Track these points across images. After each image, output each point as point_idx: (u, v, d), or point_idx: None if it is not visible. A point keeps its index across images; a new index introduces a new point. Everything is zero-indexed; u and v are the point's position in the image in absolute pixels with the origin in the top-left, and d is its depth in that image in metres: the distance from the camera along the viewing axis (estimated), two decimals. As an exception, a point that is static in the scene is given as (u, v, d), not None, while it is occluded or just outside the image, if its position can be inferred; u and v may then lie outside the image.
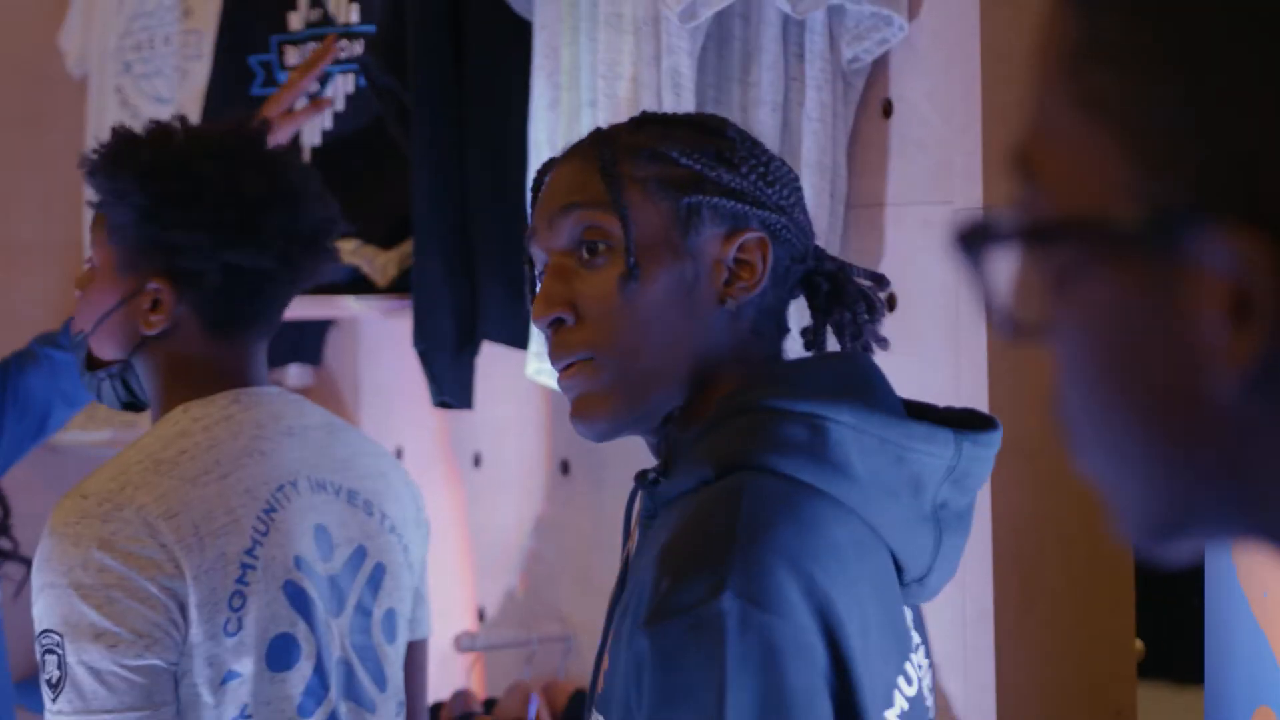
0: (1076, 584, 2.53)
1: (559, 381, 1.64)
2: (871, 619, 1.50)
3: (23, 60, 3.95)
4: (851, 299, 1.69)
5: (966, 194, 2.49)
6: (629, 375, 1.60)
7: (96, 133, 3.77)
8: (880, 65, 2.61)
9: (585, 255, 1.62)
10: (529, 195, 1.73)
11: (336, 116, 3.28)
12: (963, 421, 1.62)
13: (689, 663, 1.43)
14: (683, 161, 1.61)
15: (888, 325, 2.62)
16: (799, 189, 1.69)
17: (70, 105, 3.87)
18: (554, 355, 1.63)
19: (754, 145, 1.67)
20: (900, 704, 1.54)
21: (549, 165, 1.70)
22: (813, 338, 1.71)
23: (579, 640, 3.31)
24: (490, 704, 3.40)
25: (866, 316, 1.70)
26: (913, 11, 2.55)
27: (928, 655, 1.67)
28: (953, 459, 1.57)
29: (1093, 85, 0.72)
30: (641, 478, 1.62)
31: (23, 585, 3.15)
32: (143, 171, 2.14)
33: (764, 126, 2.59)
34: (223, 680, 2.04)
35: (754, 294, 1.61)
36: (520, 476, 3.45)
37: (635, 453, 1.71)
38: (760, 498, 1.49)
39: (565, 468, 3.32)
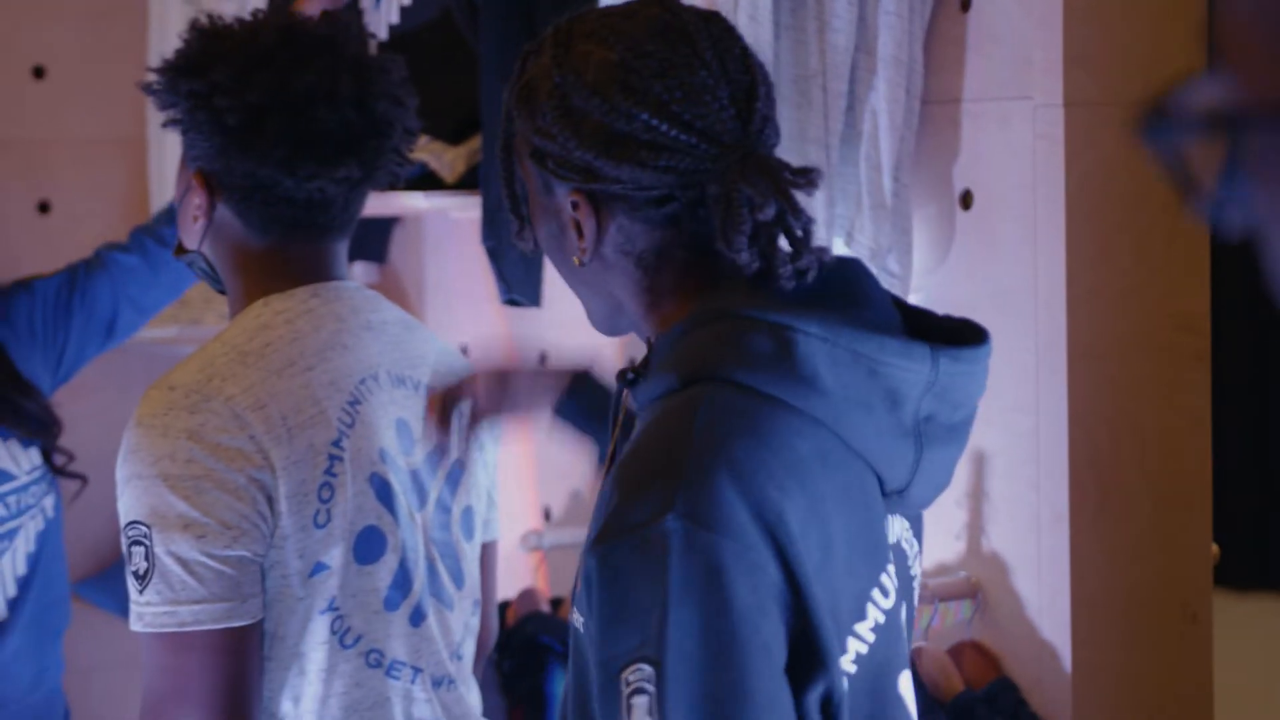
0: (1152, 487, 2.50)
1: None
2: (837, 533, 1.48)
3: (86, -47, 3.92)
4: (740, 241, 1.52)
5: (1046, 90, 2.45)
6: (582, 301, 1.64)
7: (160, 23, 3.75)
8: (959, -42, 2.57)
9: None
10: None
11: (404, 10, 3.25)
12: (955, 333, 1.58)
13: (633, 582, 1.43)
14: (522, 124, 1.59)
15: (964, 223, 2.61)
16: (646, 128, 1.52)
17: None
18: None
19: (593, 89, 1.54)
20: (875, 616, 1.52)
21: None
22: (758, 267, 1.55)
23: (645, 540, 3.30)
24: (556, 602, 3.40)
25: (758, 261, 1.53)
26: (993, -97, 2.50)
27: (916, 563, 1.65)
28: (930, 374, 1.52)
29: None
30: (621, 377, 1.62)
31: (80, 493, 3.17)
32: (177, 67, 2.11)
33: (839, 20, 2.55)
34: (311, 572, 2.03)
35: (592, 254, 1.57)
36: (586, 375, 3.44)
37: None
38: (717, 412, 1.47)
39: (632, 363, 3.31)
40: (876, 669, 1.52)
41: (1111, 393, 2.47)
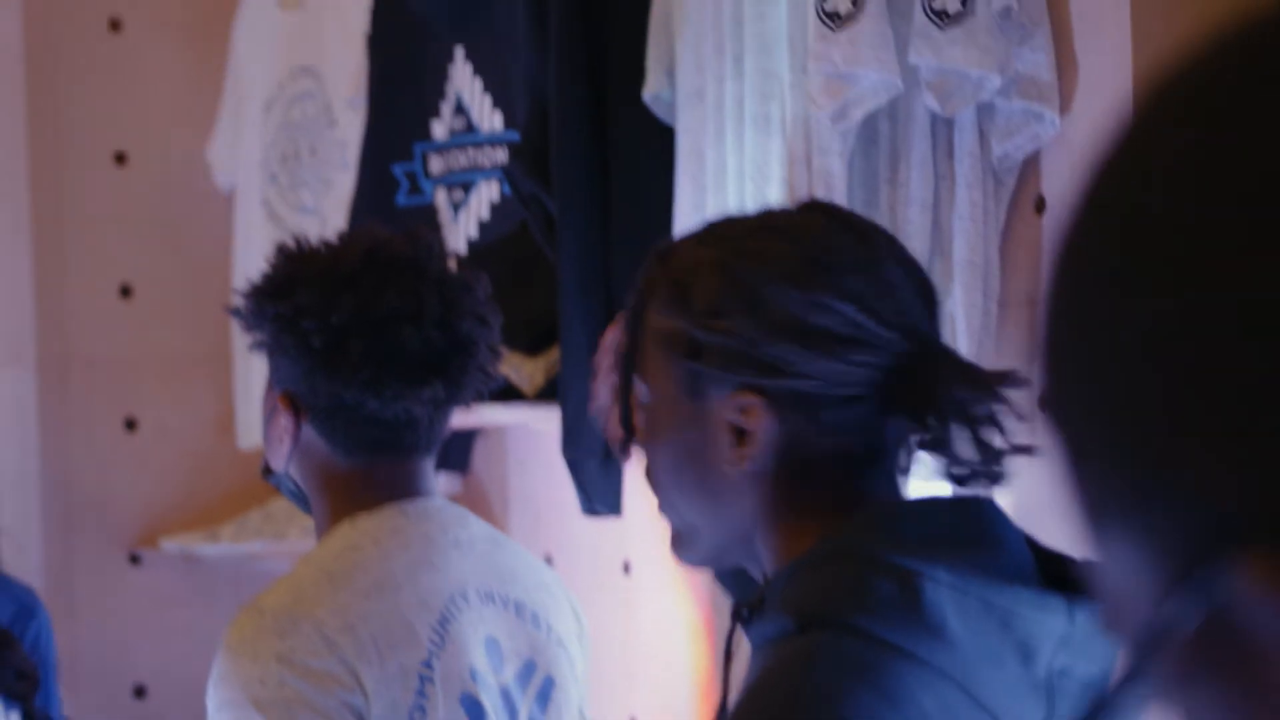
0: None
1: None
2: None
3: (173, 174, 4.00)
4: (946, 439, 1.49)
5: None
6: (675, 521, 1.54)
7: (244, 243, 3.80)
8: (1032, 161, 2.57)
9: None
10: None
11: (481, 224, 3.28)
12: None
13: None
14: (682, 320, 1.49)
15: (1046, 424, 2.57)
16: (848, 322, 1.47)
17: (219, 217, 3.91)
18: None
19: (782, 279, 1.48)
20: None
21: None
22: (937, 446, 1.51)
23: (734, 750, 3.26)
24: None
25: (978, 458, 1.49)
26: (1065, 106, 2.50)
27: None
28: (1066, 627, 1.43)
29: None
30: (735, 614, 1.53)
31: None
32: (262, 291, 2.13)
33: (913, 226, 2.55)
34: None
35: (758, 463, 1.48)
36: (671, 584, 3.41)
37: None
38: (835, 662, 1.39)
39: (717, 574, 3.28)
40: None
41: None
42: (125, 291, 3.96)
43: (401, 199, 3.37)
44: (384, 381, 2.08)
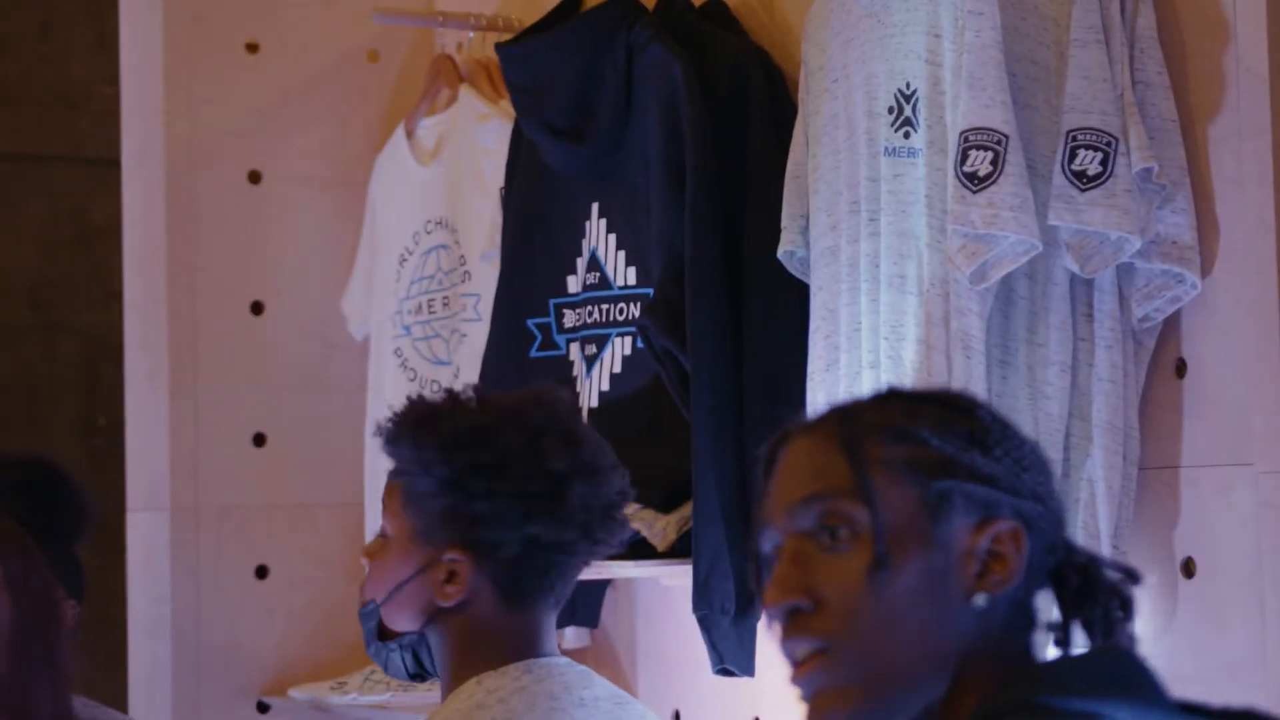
0: None
1: (792, 678, 1.53)
2: None
3: (307, 324, 4.04)
4: (1104, 594, 1.56)
5: (1266, 456, 2.40)
6: (872, 672, 1.49)
7: (376, 394, 3.83)
8: (1172, 323, 2.55)
9: (827, 540, 1.52)
10: (762, 465, 1.61)
11: (613, 378, 3.29)
12: None
13: None
14: (933, 443, 1.52)
15: (1187, 592, 2.54)
16: (1051, 475, 1.59)
17: (352, 368, 3.94)
18: (787, 644, 1.53)
19: (1006, 427, 1.57)
20: None
21: (784, 437, 1.60)
22: (1062, 635, 1.57)
23: None
24: None
25: (1120, 614, 1.55)
26: (1206, 269, 2.49)
27: None
28: None
29: None
30: None
31: None
32: (447, 442, 2.14)
33: (1052, 387, 2.53)
34: None
35: (1008, 589, 1.51)
36: (800, 742, 3.37)
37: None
38: None
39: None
40: None
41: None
42: (259, 440, 3.99)
43: (534, 352, 3.38)
44: (596, 526, 2.12)
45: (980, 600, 1.49)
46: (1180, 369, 2.55)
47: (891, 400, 1.59)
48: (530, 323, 3.40)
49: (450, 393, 2.22)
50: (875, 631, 1.49)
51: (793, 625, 1.52)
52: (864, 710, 1.49)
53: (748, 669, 3.03)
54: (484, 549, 2.13)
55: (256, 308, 4.00)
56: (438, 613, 2.16)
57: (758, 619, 3.02)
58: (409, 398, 2.28)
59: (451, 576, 2.15)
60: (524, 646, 2.15)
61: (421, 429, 2.17)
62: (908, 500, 1.51)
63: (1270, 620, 2.39)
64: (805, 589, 1.51)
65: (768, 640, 3.07)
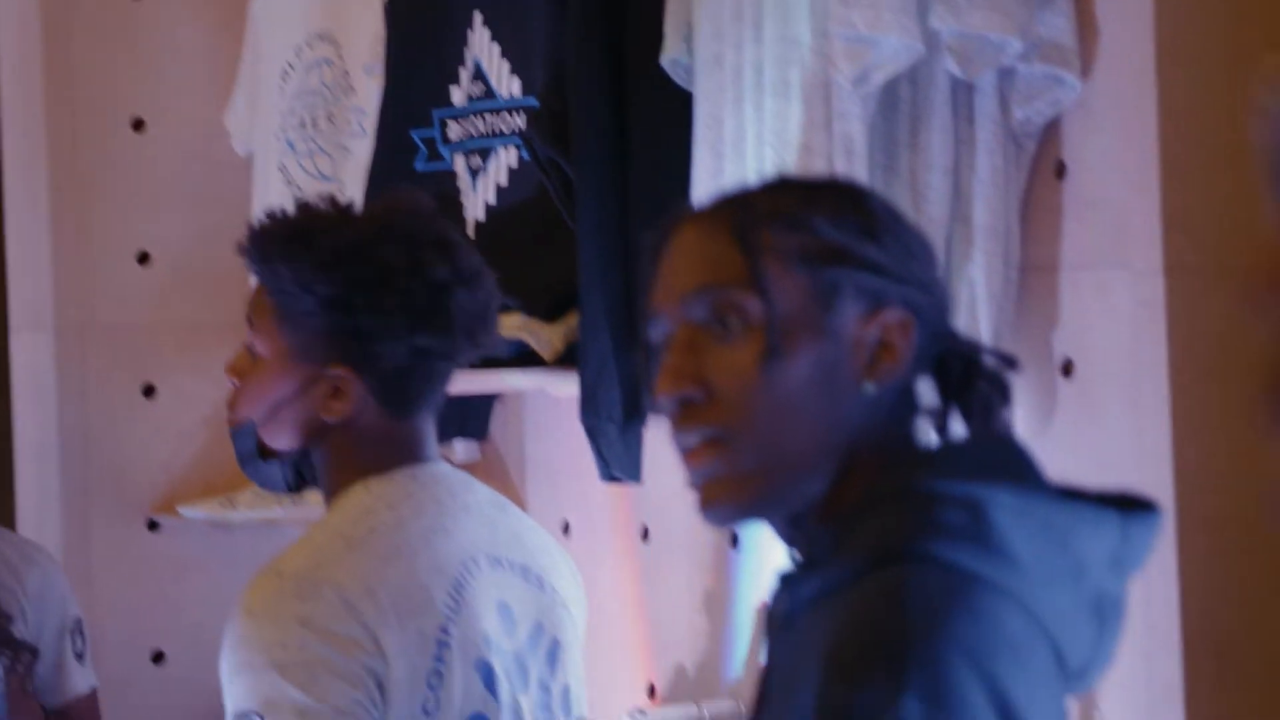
0: (1275, 661, 2.44)
1: (685, 464, 1.53)
2: (1046, 717, 1.41)
3: (189, 140, 3.99)
4: (983, 381, 1.56)
5: (1145, 257, 2.42)
6: (764, 461, 1.49)
7: (261, 211, 3.79)
8: (1053, 126, 2.56)
9: (719, 330, 1.51)
10: (650, 252, 1.60)
11: (499, 190, 3.27)
12: (1122, 504, 1.50)
13: None
14: (825, 232, 1.51)
15: (1065, 392, 2.57)
16: (936, 263, 1.60)
17: (237, 184, 3.90)
18: (678, 434, 1.52)
19: (895, 216, 1.57)
20: None
21: (674, 224, 1.58)
22: (940, 421, 1.57)
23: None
24: (662, 781, 3.36)
25: (999, 400, 1.55)
26: (1086, 71, 2.49)
27: None
28: (1118, 543, 1.46)
29: None
30: (785, 579, 1.52)
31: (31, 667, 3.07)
32: (327, 259, 2.11)
33: (934, 191, 2.54)
34: None
35: (896, 377, 1.51)
36: (689, 549, 3.41)
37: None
38: (926, 589, 1.39)
39: (735, 541, 3.28)
40: None
41: (1225, 562, 2.42)
42: (143, 258, 3.96)
43: (420, 165, 3.36)
44: (479, 333, 2.12)
45: (870, 389, 1.50)
46: (1060, 171, 2.56)
47: (784, 189, 1.57)
48: (415, 134, 3.37)
49: (306, 206, 2.19)
50: (767, 420, 1.49)
51: (684, 415, 1.51)
52: (754, 498, 1.50)
53: (635, 476, 3.05)
54: (369, 363, 2.12)
55: (138, 124, 3.94)
56: (322, 428, 2.15)
57: (644, 427, 3.04)
58: (267, 213, 2.25)
59: (336, 392, 2.14)
60: (409, 453, 2.15)
61: (294, 246, 2.14)
62: (799, 289, 1.50)
63: (1146, 419, 2.43)
64: (696, 379, 1.50)
65: (654, 449, 3.10)
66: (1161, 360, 2.41)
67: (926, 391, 1.59)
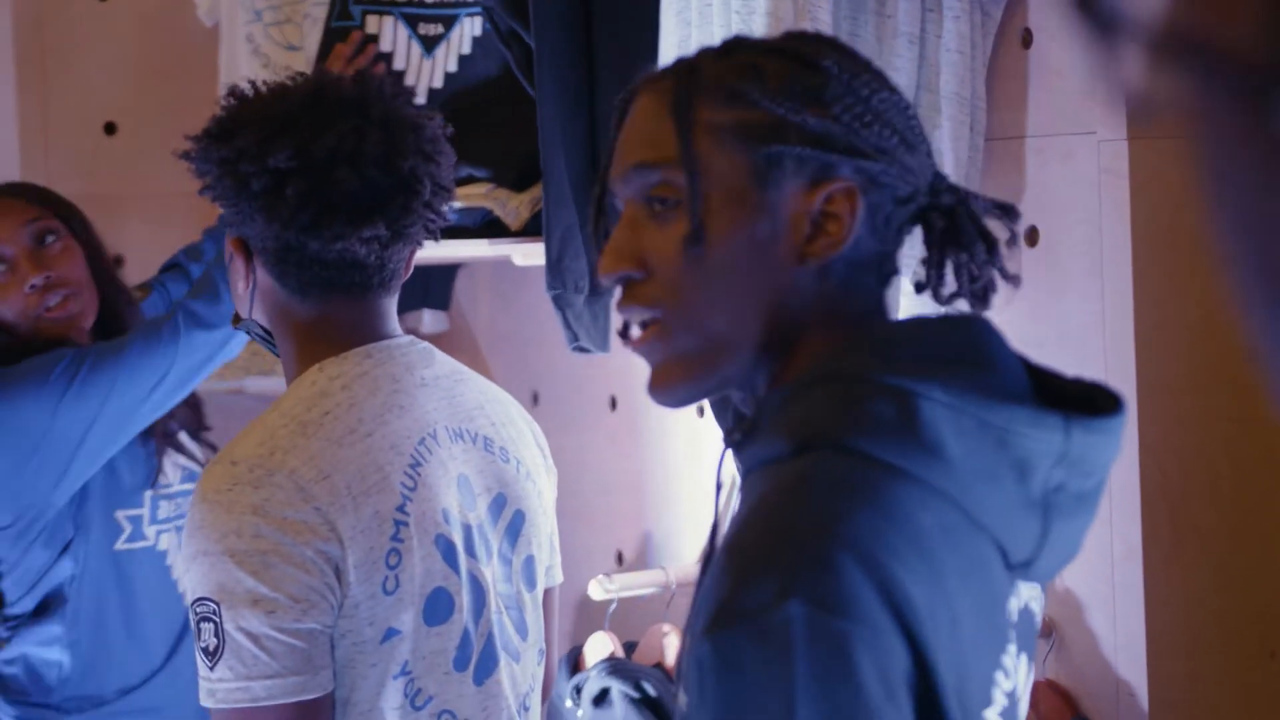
0: (1228, 521, 2.47)
1: (634, 348, 1.51)
2: (962, 613, 1.38)
3: (155, 10, 3.96)
4: (969, 237, 1.52)
5: (1110, 124, 2.43)
6: (702, 339, 1.46)
7: (228, 81, 3.77)
8: (1019, -6, 2.56)
9: (657, 208, 1.48)
10: (613, 123, 1.56)
11: (462, 59, 3.26)
12: (1086, 398, 1.47)
13: (754, 674, 1.31)
14: (764, 104, 1.46)
15: (1030, 260, 2.58)
16: (909, 121, 1.51)
17: (202, 55, 3.88)
18: (624, 311, 1.51)
19: (853, 78, 1.49)
20: (1000, 700, 1.42)
21: (633, 92, 1.54)
22: (929, 282, 1.53)
23: (718, 583, 3.29)
24: (630, 647, 3.39)
25: (986, 256, 1.51)
26: (1052, -63, 2.49)
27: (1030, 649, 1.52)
28: (1062, 444, 1.42)
29: None
30: (727, 438, 1.50)
31: None
32: (209, 135, 2.11)
33: (900, 59, 2.54)
34: (383, 638, 2.02)
35: (842, 250, 1.46)
36: (656, 419, 3.43)
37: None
38: (833, 483, 1.37)
39: (702, 411, 3.30)
40: None
41: (1183, 426, 2.45)
42: (110, 129, 3.94)
43: (334, 22, 3.34)
44: (322, 223, 2.05)
45: (811, 264, 1.46)
46: (1026, 39, 2.56)
47: (735, 52, 1.52)
48: (353, 7, 3.35)
49: (252, 84, 2.15)
50: (696, 301, 1.46)
51: (628, 293, 1.50)
52: (697, 378, 1.48)
53: (602, 345, 3.06)
54: (246, 245, 2.11)
55: (102, -7, 3.92)
56: (257, 301, 2.15)
57: (610, 296, 3.05)
58: (228, 89, 2.21)
59: (242, 269, 2.14)
60: (361, 331, 2.13)
61: (205, 127, 2.13)
62: (735, 166, 1.46)
63: (1109, 284, 2.45)
64: (636, 258, 1.49)
65: (619, 317, 3.11)
66: (1125, 227, 2.42)
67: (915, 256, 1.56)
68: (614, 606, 3.30)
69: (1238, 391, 2.47)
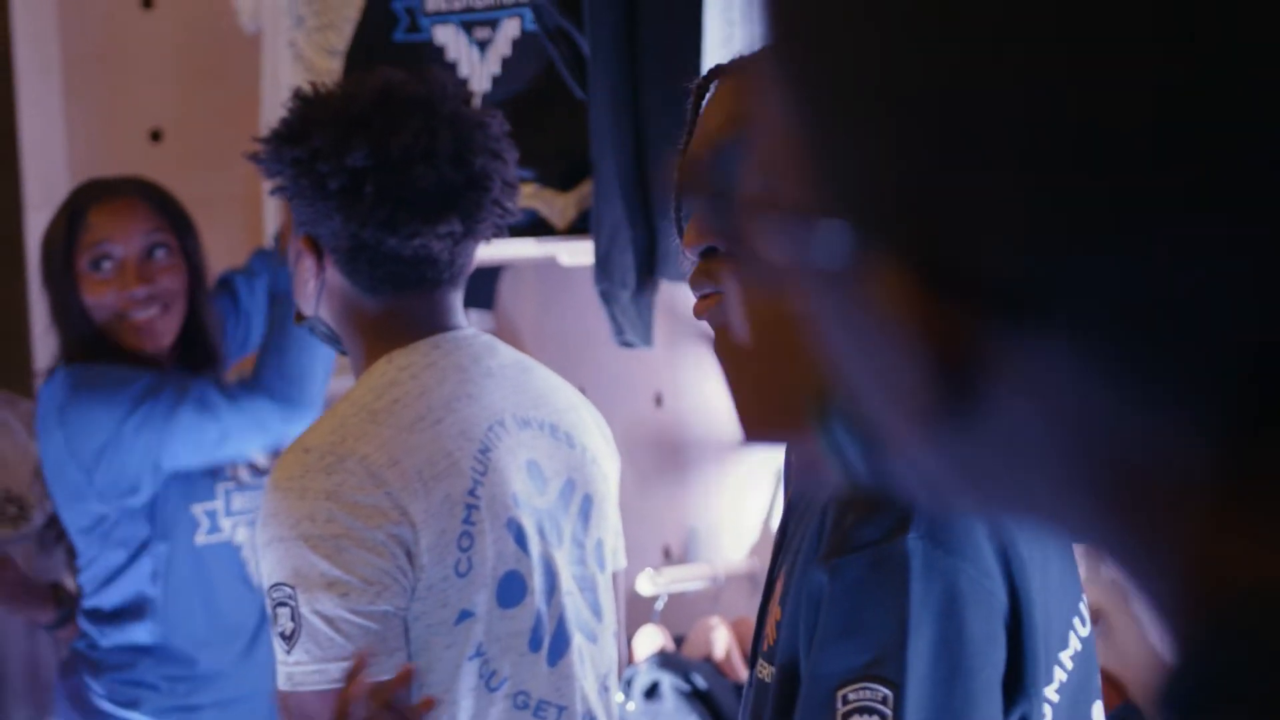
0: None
1: (695, 310, 1.52)
2: (1051, 557, 1.43)
3: (198, 17, 4.00)
4: None
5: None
6: None
7: (272, 87, 3.81)
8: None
9: None
10: (691, 99, 1.56)
11: (504, 61, 3.29)
12: None
13: (870, 599, 1.37)
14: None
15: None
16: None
17: (246, 61, 3.92)
18: (695, 283, 1.50)
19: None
20: (1075, 644, 1.47)
21: (708, 78, 1.54)
22: None
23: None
24: (679, 640, 3.42)
25: None
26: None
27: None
28: None
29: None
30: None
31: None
32: (281, 136, 2.14)
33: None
34: (457, 620, 2.06)
35: None
36: (702, 414, 3.46)
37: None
38: None
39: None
40: (1074, 698, 1.47)
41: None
42: (156, 135, 3.98)
43: (399, 35, 3.37)
44: (400, 220, 2.10)
45: None
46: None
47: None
48: (397, 5, 3.39)
49: (313, 86, 2.18)
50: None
51: (703, 265, 1.50)
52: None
53: (646, 339, 3.09)
54: (320, 243, 2.14)
55: (147, 1, 3.96)
56: (325, 298, 2.18)
57: (655, 292, 3.09)
58: (294, 91, 2.25)
59: (317, 279, 2.17)
60: (430, 325, 2.18)
61: (274, 128, 2.16)
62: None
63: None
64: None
65: (665, 312, 3.14)
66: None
67: None
68: (663, 600, 3.33)
69: None
